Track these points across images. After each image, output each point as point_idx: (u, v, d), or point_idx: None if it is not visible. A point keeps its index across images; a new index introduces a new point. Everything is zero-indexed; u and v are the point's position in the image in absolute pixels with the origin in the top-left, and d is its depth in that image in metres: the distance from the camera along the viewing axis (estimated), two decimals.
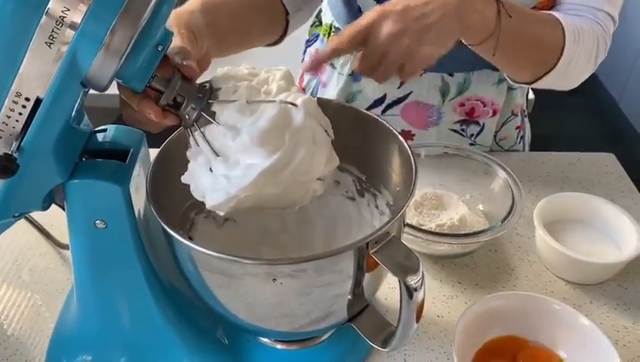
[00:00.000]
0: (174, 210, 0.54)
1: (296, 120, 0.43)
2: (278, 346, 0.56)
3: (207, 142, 0.44)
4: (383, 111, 0.83)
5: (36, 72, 0.38)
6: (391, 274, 0.43)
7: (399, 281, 0.42)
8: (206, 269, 0.45)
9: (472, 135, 0.85)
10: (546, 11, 0.69)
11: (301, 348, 0.56)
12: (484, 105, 0.82)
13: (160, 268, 0.52)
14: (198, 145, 0.45)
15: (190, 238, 0.56)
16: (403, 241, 0.47)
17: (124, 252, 0.49)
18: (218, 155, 0.44)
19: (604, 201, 0.70)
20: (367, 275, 0.46)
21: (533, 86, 0.70)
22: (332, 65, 0.85)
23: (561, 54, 0.65)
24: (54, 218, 0.60)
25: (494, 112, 0.83)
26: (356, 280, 0.46)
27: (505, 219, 0.64)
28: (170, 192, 0.50)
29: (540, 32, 0.65)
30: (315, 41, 0.89)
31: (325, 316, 0.48)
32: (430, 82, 0.80)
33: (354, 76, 0.83)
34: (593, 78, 3.02)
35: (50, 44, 0.37)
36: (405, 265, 0.43)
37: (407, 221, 0.67)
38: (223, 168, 0.43)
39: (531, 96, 1.26)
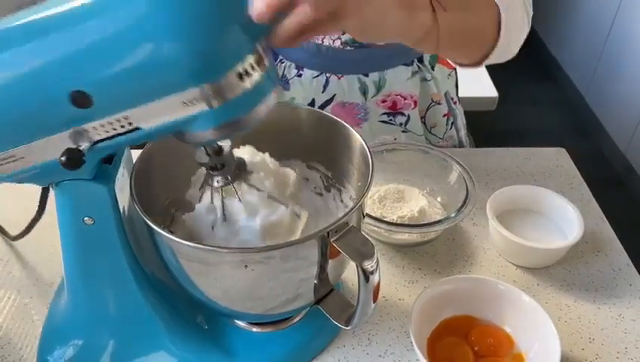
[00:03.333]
0: (156, 207, 0.59)
1: (296, 226, 0.54)
2: (254, 329, 0.62)
3: (223, 208, 0.52)
4: None
5: (154, 113, 0.42)
6: (349, 259, 0.48)
7: (357, 266, 0.48)
8: (185, 259, 0.50)
9: (402, 124, 0.91)
10: None
11: (275, 330, 0.62)
12: (405, 99, 0.88)
13: (143, 260, 0.57)
14: (212, 203, 0.53)
15: (171, 232, 0.61)
16: (362, 231, 0.53)
17: (111, 246, 0.53)
18: (225, 221, 0.52)
19: (550, 193, 0.76)
20: (330, 262, 0.52)
21: (479, 66, 0.69)
22: None
23: (500, 27, 0.63)
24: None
25: (415, 104, 0.89)
26: (320, 266, 0.51)
27: (459, 209, 0.70)
28: (152, 191, 0.55)
29: (475, 17, 0.62)
30: None
31: (294, 298, 0.54)
32: (349, 84, 0.87)
33: (282, 85, 0.90)
34: (561, 72, 3.12)
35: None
36: (362, 251, 0.48)
37: (372, 214, 0.72)
38: (223, 232, 0.53)
39: (495, 93, 1.33)
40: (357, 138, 0.58)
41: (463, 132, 1.00)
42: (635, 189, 2.24)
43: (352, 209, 0.50)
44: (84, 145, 0.44)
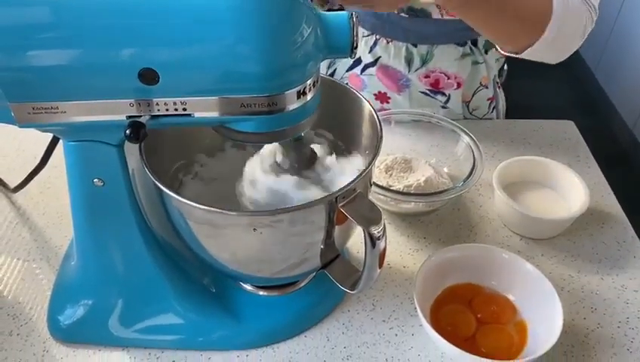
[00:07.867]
0: (164, 172, 0.59)
1: None
2: (261, 292, 0.63)
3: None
4: (362, 71, 0.90)
5: (211, 106, 0.44)
6: (356, 224, 0.49)
7: (363, 231, 0.48)
8: (194, 221, 0.51)
9: (441, 101, 0.91)
10: None
11: (281, 294, 0.63)
12: (448, 78, 0.88)
13: (152, 222, 0.58)
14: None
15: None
16: (370, 198, 0.53)
17: (120, 207, 0.54)
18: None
19: (557, 164, 0.76)
20: (337, 227, 0.52)
21: (522, 56, 0.72)
22: None
23: (550, 19, 0.66)
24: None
25: (458, 85, 0.89)
26: (327, 231, 0.52)
27: (465, 180, 0.71)
28: (160, 155, 0.55)
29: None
30: None
31: (300, 262, 0.54)
32: (395, 50, 0.86)
33: None
34: None
35: None
36: (369, 217, 0.49)
37: (379, 183, 0.73)
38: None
39: (504, 67, 1.31)
40: (367, 106, 0.58)
41: (502, 115, 1.00)
42: None
43: (360, 175, 0.50)
44: (144, 117, 0.45)
